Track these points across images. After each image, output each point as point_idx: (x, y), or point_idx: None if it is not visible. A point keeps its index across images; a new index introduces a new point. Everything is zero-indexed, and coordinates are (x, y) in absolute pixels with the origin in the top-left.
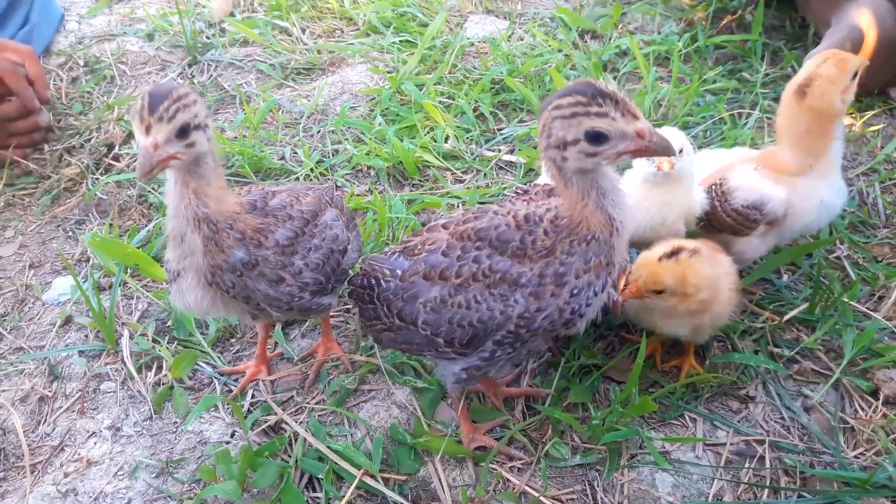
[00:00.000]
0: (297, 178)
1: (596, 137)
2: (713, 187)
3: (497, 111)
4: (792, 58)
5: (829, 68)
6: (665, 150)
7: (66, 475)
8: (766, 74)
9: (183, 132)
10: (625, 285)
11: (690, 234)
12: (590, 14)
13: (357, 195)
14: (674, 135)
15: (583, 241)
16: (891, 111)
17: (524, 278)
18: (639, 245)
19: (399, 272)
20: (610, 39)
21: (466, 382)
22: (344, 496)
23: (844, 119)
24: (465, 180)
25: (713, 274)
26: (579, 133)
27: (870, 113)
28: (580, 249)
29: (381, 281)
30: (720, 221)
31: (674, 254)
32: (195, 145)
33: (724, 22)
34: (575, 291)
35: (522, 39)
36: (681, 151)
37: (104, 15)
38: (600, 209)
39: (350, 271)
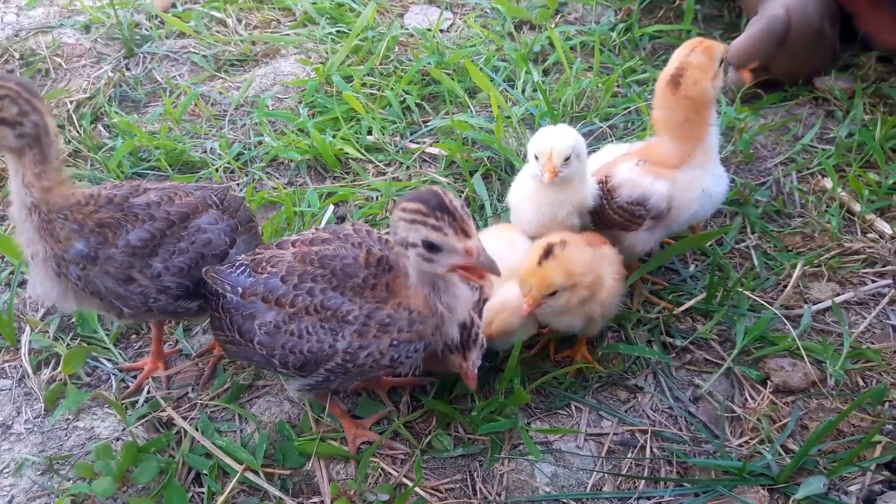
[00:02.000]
0: (217, 170)
1: (430, 246)
2: (600, 184)
3: (425, 103)
4: None
5: (698, 56)
6: (491, 269)
7: None
8: None
9: None
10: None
11: (586, 229)
12: (528, 4)
13: (273, 188)
14: (564, 137)
15: (408, 310)
16: (815, 100)
17: (352, 315)
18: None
19: (240, 289)
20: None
21: (311, 393)
22: (227, 491)
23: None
24: (387, 173)
25: (591, 257)
26: (417, 238)
27: (793, 102)
28: (405, 315)
29: (224, 294)
30: (608, 218)
31: (548, 253)
32: None
33: (661, 12)
34: (395, 343)
35: (459, 30)
36: (567, 159)
37: (44, 6)
38: (429, 301)
39: None
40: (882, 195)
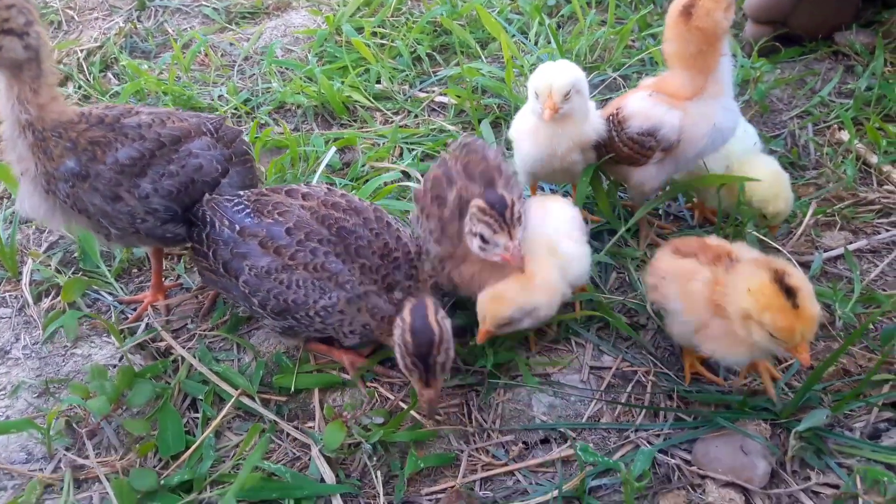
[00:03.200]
0: (224, 115)
1: (483, 238)
2: (610, 117)
3: (436, 53)
4: None
5: None
6: (519, 266)
7: None
8: None
9: None
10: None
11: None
12: None
13: (280, 133)
14: (563, 73)
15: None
16: (834, 55)
17: (349, 285)
18: (539, 177)
19: (238, 227)
20: None
21: (283, 335)
22: (221, 415)
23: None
24: (394, 121)
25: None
26: (476, 230)
27: (811, 56)
28: (391, 311)
29: (218, 226)
30: (618, 151)
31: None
32: (1, 49)
33: None
34: (368, 327)
35: None
36: (567, 95)
37: None
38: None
39: None
40: None
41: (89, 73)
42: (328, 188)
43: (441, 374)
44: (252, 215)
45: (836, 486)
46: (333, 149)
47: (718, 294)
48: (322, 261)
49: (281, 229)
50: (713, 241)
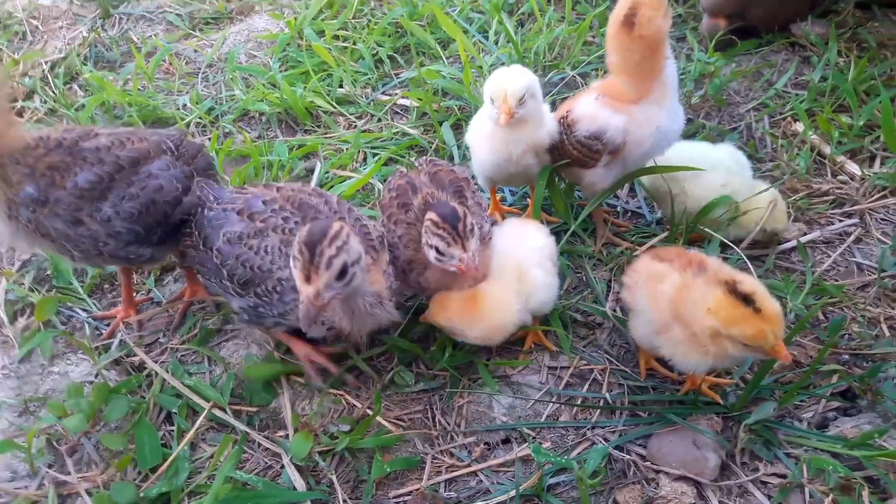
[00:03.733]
0: (188, 125)
1: (438, 250)
2: (561, 120)
3: (397, 56)
4: None
5: None
6: (475, 276)
7: None
8: (678, 15)
9: None
10: None
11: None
12: None
13: (242, 142)
14: (517, 78)
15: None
16: (791, 46)
17: None
18: (497, 181)
19: (218, 199)
20: None
21: (250, 323)
22: (195, 427)
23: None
24: (357, 125)
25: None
26: (432, 243)
27: (767, 48)
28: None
29: (204, 205)
30: (568, 153)
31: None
32: None
33: None
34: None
35: None
36: (522, 99)
37: None
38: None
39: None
40: (853, 137)
41: (54, 86)
42: (303, 184)
43: (325, 271)
44: (234, 193)
45: (784, 476)
46: (301, 163)
47: (680, 300)
48: (292, 226)
49: (258, 201)
50: (691, 252)
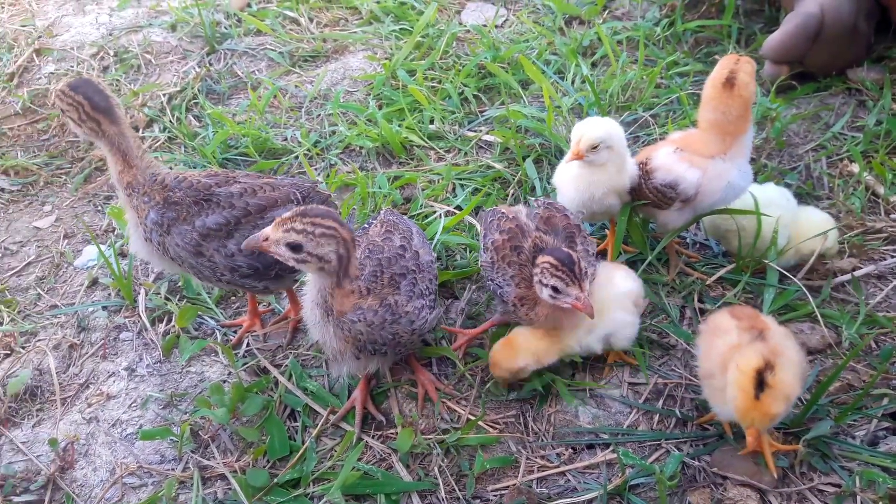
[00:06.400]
0: (297, 158)
1: (555, 289)
2: (640, 165)
3: (481, 95)
4: (763, 40)
5: (745, 63)
6: (589, 312)
7: (89, 405)
8: None
9: None
10: None
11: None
12: (577, 1)
13: (348, 172)
14: (595, 127)
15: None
16: (848, 90)
17: None
18: (582, 218)
19: None
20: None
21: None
22: (318, 425)
23: None
24: (446, 158)
25: (800, 368)
26: (549, 282)
27: (826, 92)
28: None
29: None
30: (645, 196)
31: (762, 384)
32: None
33: (704, 7)
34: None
35: (513, 26)
36: (595, 147)
37: (133, 7)
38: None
39: None
40: None
41: (173, 116)
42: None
43: (283, 233)
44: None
45: (839, 486)
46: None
47: (728, 357)
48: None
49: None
50: (764, 317)
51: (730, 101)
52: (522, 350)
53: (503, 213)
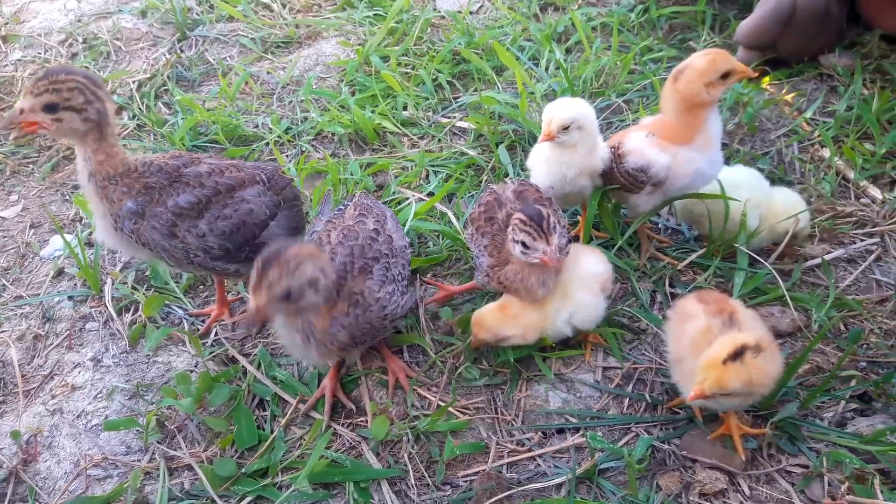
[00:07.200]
0: (267, 144)
1: (524, 245)
2: (612, 149)
3: (455, 81)
4: (737, 26)
5: (701, 61)
6: (554, 265)
7: (53, 397)
8: (712, 42)
9: (50, 108)
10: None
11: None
12: None
13: (320, 159)
14: (566, 108)
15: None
16: (820, 76)
17: None
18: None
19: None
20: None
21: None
22: (286, 414)
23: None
24: (420, 145)
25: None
26: (518, 238)
27: (798, 78)
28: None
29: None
30: (616, 180)
31: (738, 355)
32: (62, 121)
33: None
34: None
35: (488, 12)
36: (566, 128)
37: None
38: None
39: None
40: (875, 163)
41: (142, 103)
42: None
43: (267, 291)
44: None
45: (806, 467)
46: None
47: (700, 342)
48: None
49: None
50: (732, 301)
51: (671, 95)
52: (515, 319)
53: (491, 188)
